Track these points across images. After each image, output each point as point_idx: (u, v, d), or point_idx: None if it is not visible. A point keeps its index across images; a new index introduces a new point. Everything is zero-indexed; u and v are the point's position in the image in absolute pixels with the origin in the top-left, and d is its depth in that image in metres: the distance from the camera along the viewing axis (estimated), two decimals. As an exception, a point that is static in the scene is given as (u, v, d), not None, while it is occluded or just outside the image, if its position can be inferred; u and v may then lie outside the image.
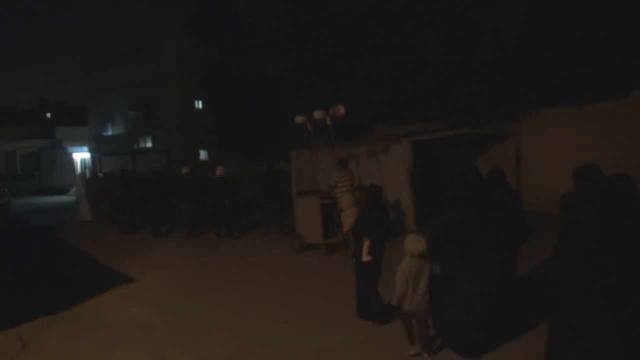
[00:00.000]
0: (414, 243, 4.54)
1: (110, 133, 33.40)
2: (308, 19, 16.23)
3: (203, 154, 29.42)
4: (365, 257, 5.45)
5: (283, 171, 12.88)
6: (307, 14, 16.40)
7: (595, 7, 10.36)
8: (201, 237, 11.68)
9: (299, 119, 10.44)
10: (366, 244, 5.46)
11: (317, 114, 9.79)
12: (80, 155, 35.01)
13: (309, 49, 16.39)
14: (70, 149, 34.71)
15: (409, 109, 13.95)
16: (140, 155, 27.70)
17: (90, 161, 34.45)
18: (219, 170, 11.42)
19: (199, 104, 29.28)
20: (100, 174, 18.92)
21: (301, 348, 5.13)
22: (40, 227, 14.97)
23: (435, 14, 12.99)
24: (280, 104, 17.31)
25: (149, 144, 30.84)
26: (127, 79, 29.55)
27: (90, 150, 34.73)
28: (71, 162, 33.63)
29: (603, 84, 10.13)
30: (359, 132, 14.45)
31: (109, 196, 13.95)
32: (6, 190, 18.28)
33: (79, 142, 35.49)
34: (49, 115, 50.52)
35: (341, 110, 9.56)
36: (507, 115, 11.66)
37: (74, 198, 16.18)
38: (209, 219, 12.14)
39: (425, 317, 4.62)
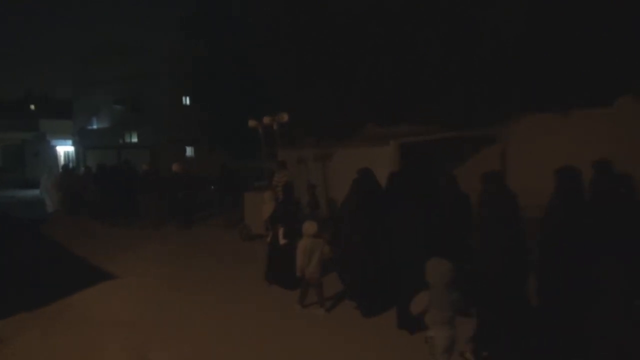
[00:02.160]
0: (308, 227, 5.99)
1: (95, 127, 32.99)
2: (308, 19, 16.22)
3: (190, 151, 29.22)
4: (282, 241, 6.86)
5: (237, 170, 14.67)
6: (306, 14, 16.38)
7: (582, 18, 10.50)
8: (161, 228, 12.34)
9: (251, 123, 11.19)
10: (281, 230, 6.86)
11: (266, 120, 10.76)
12: (64, 149, 34.52)
13: (308, 48, 16.38)
14: (54, 142, 34.19)
15: (399, 111, 14.02)
16: (126, 150, 27.41)
17: (74, 155, 34.00)
18: (175, 167, 12.60)
19: (187, 100, 29.06)
20: (71, 167, 19.27)
21: (284, 347, 5.12)
22: (22, 220, 14.70)
23: (427, 20, 13.06)
24: (278, 102, 17.27)
25: (135, 139, 30.52)
26: (113, 73, 29.20)
27: (74, 144, 34.26)
28: (55, 155, 33.15)
29: (589, 91, 10.28)
30: (350, 131, 14.50)
31: (82, 189, 14.62)
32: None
33: (63, 135, 34.98)
34: (33, 107, 49.64)
35: (285, 117, 10.60)
36: (494, 119, 11.76)
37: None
38: (170, 211, 12.92)
39: (319, 282, 5.99)
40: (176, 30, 22.34)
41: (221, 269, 8.41)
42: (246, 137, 18.99)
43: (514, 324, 4.16)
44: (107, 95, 30.73)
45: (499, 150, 11.76)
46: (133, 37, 27.84)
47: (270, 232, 7.26)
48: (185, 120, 25.98)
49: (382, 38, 14.17)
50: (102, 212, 13.67)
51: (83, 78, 31.91)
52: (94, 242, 10.92)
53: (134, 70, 28.02)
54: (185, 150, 28.97)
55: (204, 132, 21.53)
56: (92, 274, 8.24)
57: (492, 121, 11.82)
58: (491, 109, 11.87)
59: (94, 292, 7.30)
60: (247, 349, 5.13)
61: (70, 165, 28.40)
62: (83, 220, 13.72)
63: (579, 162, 9.32)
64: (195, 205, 13.32)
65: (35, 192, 24.61)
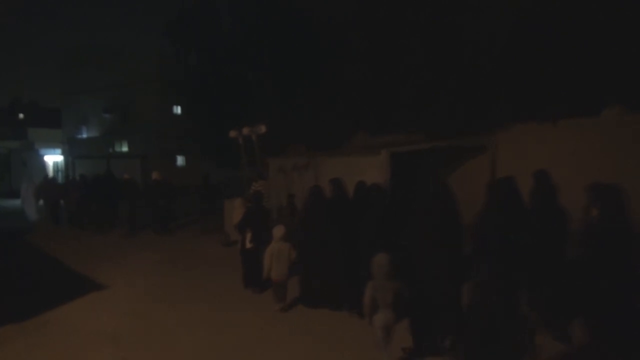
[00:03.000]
0: (276, 231, 6.45)
1: (84, 136, 32.77)
2: (290, 30, 16.34)
3: (180, 160, 29.11)
4: (248, 245, 7.28)
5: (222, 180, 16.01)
6: (288, 24, 16.49)
7: (571, 27, 10.64)
8: (140, 235, 12.86)
9: (232, 134, 11.77)
10: (248, 235, 7.28)
11: (245, 130, 11.34)
12: (53, 158, 34.21)
13: (290, 58, 16.46)
14: (42, 151, 33.88)
15: (388, 120, 14.08)
16: (116, 159, 27.25)
17: (62, 164, 33.69)
18: (154, 175, 13.30)
19: (178, 110, 28.98)
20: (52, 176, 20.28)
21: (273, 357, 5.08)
22: (7, 230, 14.50)
23: (412, 29, 13.18)
24: (261, 111, 17.30)
25: (125, 149, 30.36)
26: (103, 81, 29.11)
27: (63, 153, 33.96)
28: (43, 164, 32.82)
29: (576, 101, 10.40)
30: (339, 141, 14.54)
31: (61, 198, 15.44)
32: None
33: (51, 144, 34.73)
34: (21, 115, 49.19)
35: (263, 129, 11.20)
36: (484, 128, 11.85)
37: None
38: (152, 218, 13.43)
39: (285, 283, 6.42)
40: (157, 35, 22.30)
41: (205, 278, 8.41)
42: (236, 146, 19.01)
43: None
44: (97, 103, 30.62)
45: (489, 159, 11.85)
46: (122, 45, 27.73)
47: (240, 235, 7.68)
48: (176, 129, 25.92)
49: (367, 47, 14.28)
50: (82, 220, 14.26)
51: (72, 86, 31.76)
52: (80, 252, 10.79)
53: (124, 78, 27.95)
54: (176, 160, 28.87)
55: (194, 141, 21.46)
56: (79, 284, 8.13)
57: (481, 130, 11.91)
58: (480, 118, 11.97)
59: (81, 303, 7.19)
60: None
61: (59, 174, 28.19)
62: (68, 229, 13.93)
63: (567, 170, 9.50)
64: (173, 213, 13.82)
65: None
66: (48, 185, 16.51)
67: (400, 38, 13.48)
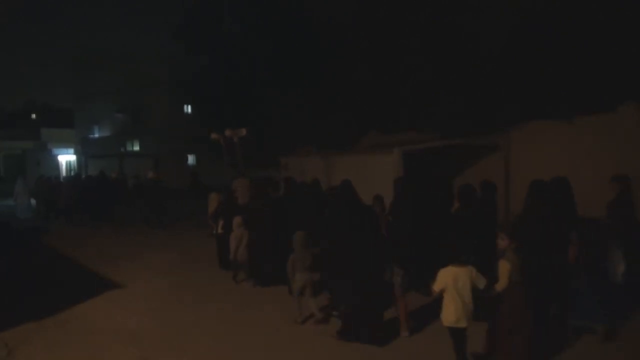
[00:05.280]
0: (235, 220, 7.76)
1: (97, 136, 33.06)
2: (291, 30, 16.39)
3: (191, 159, 29.25)
4: (219, 230, 8.57)
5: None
6: (289, 24, 16.54)
7: (585, 23, 10.54)
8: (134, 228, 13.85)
9: (214, 136, 12.69)
10: (220, 223, 8.52)
11: (228, 132, 12.15)
12: (66, 158, 34.56)
13: (298, 57, 16.47)
14: (55, 151, 34.25)
15: (399, 119, 14.04)
16: (128, 158, 27.45)
17: (75, 163, 34.02)
18: (150, 174, 14.49)
19: (188, 109, 29.13)
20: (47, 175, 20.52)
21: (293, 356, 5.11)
22: (22, 230, 14.67)
23: (426, 23, 13.12)
24: (270, 111, 17.37)
25: (137, 148, 30.59)
26: (115, 82, 29.32)
27: (76, 153, 34.29)
28: (57, 164, 33.18)
29: (592, 98, 10.30)
30: (349, 140, 14.53)
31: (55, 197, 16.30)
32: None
33: (64, 144, 35.07)
34: (34, 116, 49.69)
35: (243, 132, 12.04)
36: (497, 126, 11.77)
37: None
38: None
39: (246, 264, 7.73)
40: (173, 39, 22.45)
41: (220, 276, 8.38)
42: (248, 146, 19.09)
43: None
44: (109, 104, 30.85)
45: (503, 157, 11.78)
46: (132, 47, 27.92)
47: (214, 225, 8.89)
48: (187, 129, 26.05)
49: (369, 47, 14.27)
50: (76, 218, 15.23)
51: (84, 87, 32.03)
52: (94, 252, 10.89)
53: (134, 80, 28.12)
54: (187, 159, 29.01)
55: (205, 140, 21.55)
56: (95, 283, 8.24)
57: (494, 129, 11.83)
58: (493, 117, 11.89)
59: (98, 302, 7.29)
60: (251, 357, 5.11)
61: (72, 173, 28.47)
62: (83, 229, 14.28)
63: (581, 168, 9.43)
64: (165, 208, 14.51)
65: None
66: (42, 185, 17.49)
67: (409, 36, 13.43)
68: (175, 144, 26.84)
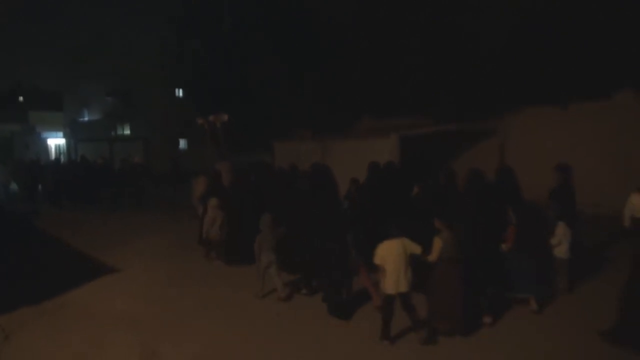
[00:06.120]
0: (211, 201, 8.11)
1: (86, 119, 32.60)
2: (288, 16, 16.20)
3: (183, 143, 28.99)
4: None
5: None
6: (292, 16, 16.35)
7: (583, 9, 10.50)
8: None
9: (200, 121, 13.20)
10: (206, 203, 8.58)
11: (212, 118, 12.72)
12: (55, 141, 34.08)
13: (295, 46, 16.29)
14: (44, 134, 33.72)
15: (394, 104, 13.98)
16: (118, 142, 27.14)
17: (65, 147, 33.59)
18: (136, 159, 15.63)
19: (180, 93, 28.76)
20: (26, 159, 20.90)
21: (297, 342, 5.12)
22: (14, 214, 14.49)
23: (426, 23, 13.00)
24: (266, 95, 17.23)
25: (127, 132, 30.23)
26: (105, 64, 28.78)
27: (65, 136, 33.82)
28: (45, 147, 32.73)
29: (587, 86, 10.32)
30: (344, 124, 14.47)
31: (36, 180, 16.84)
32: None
33: (53, 127, 34.49)
34: (21, 99, 48.73)
35: (225, 117, 12.47)
36: (492, 112, 11.78)
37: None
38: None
39: (220, 242, 8.11)
40: (167, 23, 22.06)
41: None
42: (245, 129, 18.95)
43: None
44: (99, 87, 30.35)
45: (498, 143, 11.82)
46: (125, 28, 27.36)
47: (201, 206, 9.13)
48: (179, 113, 25.74)
49: (372, 33, 14.16)
50: (58, 200, 15.50)
51: (74, 70, 31.43)
52: (88, 236, 10.77)
53: (126, 62, 27.63)
54: (178, 143, 28.74)
55: (197, 124, 21.34)
56: (92, 267, 8.18)
57: (490, 114, 11.85)
58: (489, 102, 11.88)
59: (96, 285, 7.23)
60: (257, 344, 5.12)
61: (62, 157, 28.15)
62: (72, 214, 14.20)
63: (577, 155, 9.50)
64: (144, 191, 15.36)
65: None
66: (22, 168, 17.65)
67: (405, 24, 13.32)
68: (167, 128, 26.54)
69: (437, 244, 5.01)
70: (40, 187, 17.08)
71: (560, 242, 6.01)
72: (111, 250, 9.29)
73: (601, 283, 6.49)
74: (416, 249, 4.94)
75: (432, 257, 5.02)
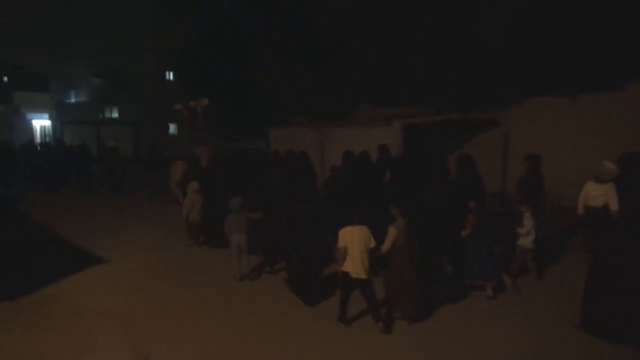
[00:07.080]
0: (190, 185, 8.06)
1: (73, 100, 31.72)
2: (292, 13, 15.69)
3: (173, 128, 28.35)
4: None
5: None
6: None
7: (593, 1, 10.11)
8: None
9: (178, 106, 12.90)
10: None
11: (192, 103, 12.47)
12: (41, 123, 33.17)
13: (293, 35, 15.76)
14: (30, 115, 32.74)
15: (395, 92, 13.54)
16: (106, 125, 26.43)
17: (50, 129, 32.73)
18: (110, 142, 14.99)
19: (170, 76, 28.03)
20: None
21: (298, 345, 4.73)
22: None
23: (426, 23, 12.56)
24: (261, 82, 16.72)
25: (115, 115, 29.47)
26: (93, 45, 27.91)
27: (51, 118, 32.94)
28: (31, 129, 31.82)
29: (598, 77, 9.95)
30: (342, 111, 14.02)
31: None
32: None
33: (38, 108, 33.50)
34: (5, 79, 47.38)
35: (205, 102, 12.28)
36: (497, 102, 11.41)
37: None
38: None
39: (197, 225, 8.18)
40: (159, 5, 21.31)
41: (204, 252, 8.03)
42: (238, 115, 18.43)
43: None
44: (86, 67, 29.48)
45: (502, 133, 11.46)
46: (114, 7, 26.47)
47: (180, 191, 9.31)
48: (169, 96, 25.08)
49: (370, 21, 13.72)
50: (36, 182, 15.30)
51: (61, 49, 30.46)
52: (73, 223, 10.18)
53: (117, 43, 26.77)
54: (168, 128, 28.08)
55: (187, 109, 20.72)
56: (77, 258, 7.66)
57: (494, 104, 11.47)
58: (494, 92, 11.49)
59: (81, 279, 6.74)
60: (251, 343, 4.72)
61: (47, 139, 27.40)
62: (62, 200, 13.51)
63: (584, 146, 9.23)
64: (122, 176, 14.83)
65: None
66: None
67: (409, 13, 12.86)
68: (156, 111, 25.84)
69: (392, 232, 5.04)
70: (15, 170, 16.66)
71: (529, 233, 6.06)
72: (98, 240, 8.74)
73: (565, 270, 6.69)
74: (372, 242, 5.05)
75: (385, 247, 5.08)
